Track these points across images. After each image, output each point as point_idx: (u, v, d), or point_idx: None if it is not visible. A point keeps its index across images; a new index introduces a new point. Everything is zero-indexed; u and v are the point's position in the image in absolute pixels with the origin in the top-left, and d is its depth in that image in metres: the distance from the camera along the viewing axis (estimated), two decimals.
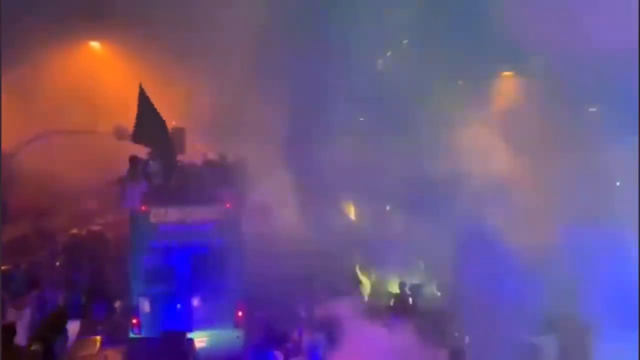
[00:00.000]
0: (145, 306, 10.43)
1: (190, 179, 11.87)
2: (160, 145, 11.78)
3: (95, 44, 18.23)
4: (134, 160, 11.85)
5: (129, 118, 16.04)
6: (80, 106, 16.68)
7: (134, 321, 10.37)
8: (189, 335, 9.51)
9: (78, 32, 17.00)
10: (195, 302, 10.67)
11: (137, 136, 11.67)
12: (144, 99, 11.99)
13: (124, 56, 18.15)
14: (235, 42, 16.02)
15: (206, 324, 10.53)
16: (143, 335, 10.23)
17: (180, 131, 14.40)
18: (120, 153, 15.99)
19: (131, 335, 10.38)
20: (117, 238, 14.34)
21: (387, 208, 16.72)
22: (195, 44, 16.69)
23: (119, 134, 17.02)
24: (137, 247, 10.70)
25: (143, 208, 10.86)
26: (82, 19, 16.51)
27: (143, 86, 12.23)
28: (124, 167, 14.47)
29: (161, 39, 16.57)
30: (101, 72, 18.01)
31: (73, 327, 9.03)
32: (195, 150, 13.98)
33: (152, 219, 10.74)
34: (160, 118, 12.01)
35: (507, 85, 17.84)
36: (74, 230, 14.79)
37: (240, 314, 10.67)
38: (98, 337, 9.12)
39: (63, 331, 7.35)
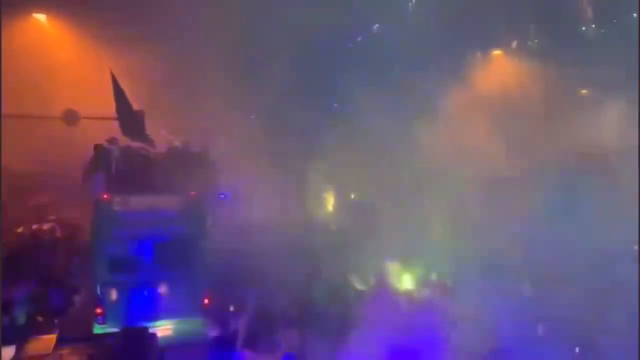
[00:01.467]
0: (111, 295, 10.74)
1: (155, 166, 12.39)
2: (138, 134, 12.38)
3: (40, 16, 17.53)
4: (97, 147, 12.27)
5: (79, 100, 16.26)
6: (28, 87, 15.94)
7: (98, 311, 10.71)
8: (152, 328, 9.85)
9: (22, 3, 16.26)
10: (160, 290, 11.07)
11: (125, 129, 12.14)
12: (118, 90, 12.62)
13: (74, 30, 17.65)
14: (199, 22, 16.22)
15: (171, 312, 10.91)
16: (107, 325, 10.54)
17: (140, 114, 14.75)
18: (71, 139, 16.06)
19: (95, 325, 10.73)
20: (70, 235, 14.52)
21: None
22: (154, 17, 16.52)
23: (69, 118, 16.76)
24: (100, 236, 11.05)
25: (105, 196, 11.28)
26: None
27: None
28: (77, 155, 14.73)
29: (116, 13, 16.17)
30: (48, 48, 17.39)
31: None
32: (160, 138, 14.33)
33: (115, 207, 11.16)
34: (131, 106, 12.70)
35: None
36: (19, 229, 14.57)
37: (206, 301, 11.13)
38: (54, 336, 9.31)
39: None
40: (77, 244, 13.87)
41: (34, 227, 14.68)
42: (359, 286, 13.32)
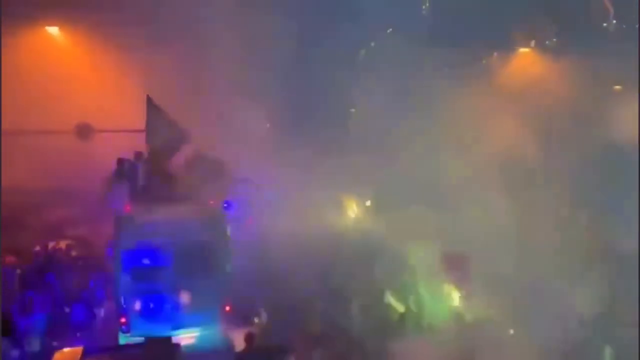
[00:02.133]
0: (135, 304, 11.28)
1: (174, 177, 13.19)
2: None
3: (52, 29, 17.93)
4: (120, 162, 13.12)
5: (92, 113, 16.56)
6: (40, 101, 16.25)
7: (122, 320, 11.26)
8: (175, 338, 10.32)
9: (34, 16, 16.66)
10: (182, 299, 11.47)
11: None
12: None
13: (86, 43, 18.08)
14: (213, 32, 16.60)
15: (194, 320, 11.42)
16: (132, 334, 11.10)
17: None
18: (85, 154, 16.30)
19: (120, 334, 11.34)
20: (88, 251, 14.84)
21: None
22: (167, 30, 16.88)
23: (83, 132, 17.00)
24: (123, 247, 11.49)
25: (127, 208, 12.09)
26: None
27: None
28: (92, 169, 15.24)
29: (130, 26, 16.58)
30: (60, 61, 17.82)
31: None
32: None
33: (137, 219, 11.68)
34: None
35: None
36: (36, 248, 14.80)
37: (227, 309, 11.61)
38: (79, 348, 9.45)
39: None
40: (95, 260, 14.20)
41: (50, 245, 14.93)
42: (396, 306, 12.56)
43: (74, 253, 14.79)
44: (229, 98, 17.34)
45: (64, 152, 16.54)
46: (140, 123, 15.30)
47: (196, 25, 16.64)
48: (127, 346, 10.25)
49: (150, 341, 8.93)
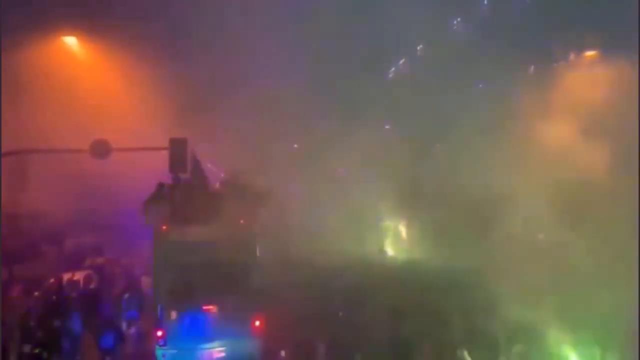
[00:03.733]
0: (170, 318, 12.14)
1: (208, 198, 13.60)
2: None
3: (70, 40, 17.11)
4: (160, 185, 13.76)
5: (109, 128, 15.77)
6: (56, 115, 15.32)
7: (159, 333, 12.16)
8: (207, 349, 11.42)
9: (52, 25, 15.90)
10: (214, 313, 12.32)
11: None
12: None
13: (105, 54, 17.34)
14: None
15: (225, 334, 12.21)
16: (168, 347, 12.06)
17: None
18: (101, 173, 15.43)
19: (157, 347, 12.20)
20: (110, 279, 14.75)
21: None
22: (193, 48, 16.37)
23: (99, 150, 16.00)
24: (160, 264, 12.55)
25: (164, 227, 12.73)
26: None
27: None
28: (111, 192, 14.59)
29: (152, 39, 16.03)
30: (78, 73, 17.08)
31: None
32: (208, 170, 15.52)
33: (173, 238, 12.60)
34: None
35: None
36: (52, 280, 14.48)
37: (257, 323, 12.41)
38: None
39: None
40: (119, 286, 14.39)
41: (66, 277, 14.49)
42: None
43: (92, 285, 14.57)
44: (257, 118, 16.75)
45: (82, 172, 15.81)
46: (159, 140, 15.11)
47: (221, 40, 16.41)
48: None
49: None
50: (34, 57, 15.28)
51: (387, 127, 19.56)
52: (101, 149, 16.09)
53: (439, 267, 14.71)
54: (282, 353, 11.55)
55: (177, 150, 15.03)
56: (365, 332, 11.79)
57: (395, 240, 18.23)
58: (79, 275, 14.77)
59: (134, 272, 15.48)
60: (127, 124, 16.29)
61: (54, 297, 13.51)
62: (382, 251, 17.88)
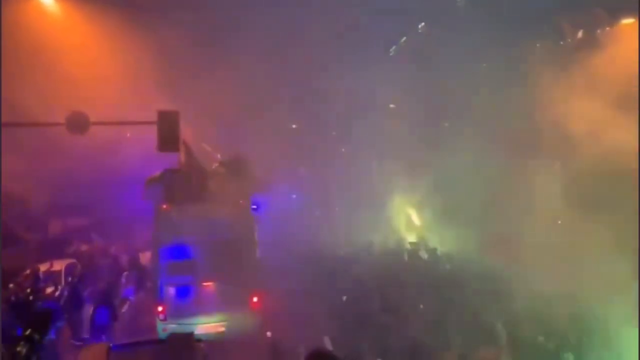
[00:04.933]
0: (171, 294, 12.57)
1: (207, 179, 13.81)
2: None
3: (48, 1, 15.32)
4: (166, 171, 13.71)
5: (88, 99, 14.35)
6: (28, 83, 13.74)
7: (160, 309, 12.64)
8: (206, 326, 11.85)
9: None
10: (213, 289, 12.76)
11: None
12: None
13: (84, 15, 15.63)
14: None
15: (224, 310, 12.68)
16: (168, 322, 12.49)
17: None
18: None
19: (158, 322, 12.65)
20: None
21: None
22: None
23: (76, 125, 14.47)
24: (161, 241, 12.98)
25: (165, 207, 13.04)
26: None
27: None
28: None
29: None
30: (53, 36, 15.31)
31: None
32: (206, 152, 15.97)
33: (174, 216, 12.92)
34: None
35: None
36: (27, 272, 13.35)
37: (255, 299, 12.88)
38: (105, 344, 10.49)
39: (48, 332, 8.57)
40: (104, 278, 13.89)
41: (43, 268, 13.57)
42: None
43: (74, 278, 13.82)
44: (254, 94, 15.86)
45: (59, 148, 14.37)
46: (141, 114, 13.80)
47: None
48: (150, 341, 11.00)
49: (173, 337, 9.70)
50: (2, 17, 13.48)
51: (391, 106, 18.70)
52: (79, 123, 14.59)
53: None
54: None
55: (167, 125, 13.17)
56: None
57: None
58: (59, 266, 13.82)
59: (123, 259, 15.00)
60: (110, 95, 14.90)
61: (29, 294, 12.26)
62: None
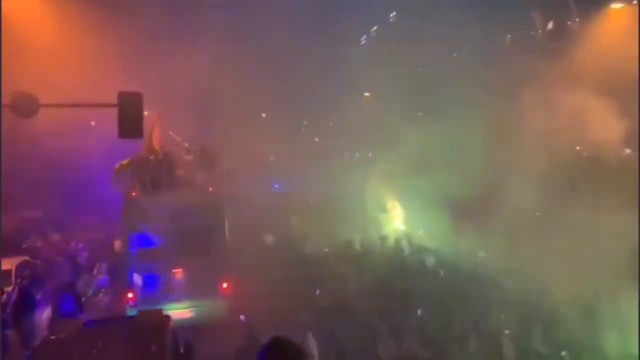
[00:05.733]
0: (140, 281, 12.57)
1: (176, 166, 14.08)
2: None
3: None
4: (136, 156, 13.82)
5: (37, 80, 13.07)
6: None
7: (130, 295, 12.67)
8: (176, 310, 11.68)
9: None
10: (183, 276, 12.82)
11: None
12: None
13: None
14: None
15: (194, 296, 12.80)
16: (138, 308, 11.95)
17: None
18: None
19: (127, 308, 12.61)
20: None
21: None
22: None
23: (23, 107, 13.11)
24: (130, 228, 12.97)
25: (134, 194, 13.15)
26: None
27: None
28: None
29: None
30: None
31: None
32: (173, 140, 15.80)
33: (143, 203, 12.89)
34: None
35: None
36: None
37: (225, 285, 13.06)
38: (80, 319, 10.53)
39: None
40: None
41: None
42: None
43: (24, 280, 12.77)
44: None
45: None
46: (95, 96, 12.91)
47: None
48: (121, 318, 11.51)
49: (143, 312, 10.04)
50: None
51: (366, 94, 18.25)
52: (27, 105, 13.17)
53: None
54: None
55: (129, 108, 11.78)
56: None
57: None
58: (9, 264, 12.76)
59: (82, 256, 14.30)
60: (63, 76, 13.68)
61: None
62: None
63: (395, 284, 12.33)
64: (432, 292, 11.80)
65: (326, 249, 15.04)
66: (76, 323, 9.69)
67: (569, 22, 19.25)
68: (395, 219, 17.22)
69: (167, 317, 9.86)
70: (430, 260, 13.87)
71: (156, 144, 14.08)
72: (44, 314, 12.16)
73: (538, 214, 14.33)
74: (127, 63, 15.01)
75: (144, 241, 12.88)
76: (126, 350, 8.15)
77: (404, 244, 15.11)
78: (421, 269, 13.63)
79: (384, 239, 15.49)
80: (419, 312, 11.32)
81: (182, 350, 9.12)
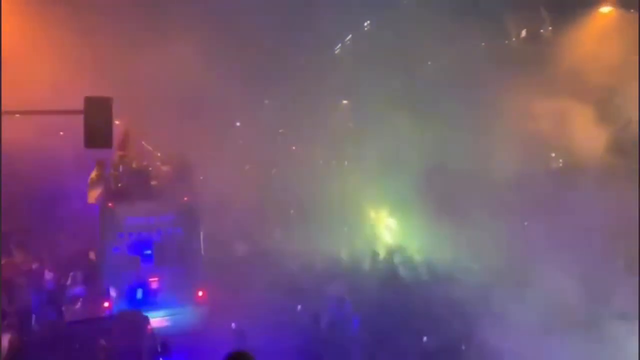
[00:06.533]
0: (117, 290, 12.85)
1: (152, 177, 14.44)
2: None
3: None
4: (100, 163, 13.73)
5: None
6: None
7: (106, 305, 12.81)
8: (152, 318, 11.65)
9: None
10: (159, 284, 13.23)
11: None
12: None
13: None
14: None
15: (170, 304, 13.16)
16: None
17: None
18: None
19: None
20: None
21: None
22: None
23: None
24: (106, 238, 13.28)
25: (110, 204, 13.31)
26: None
27: None
28: None
29: None
30: None
31: None
32: (147, 152, 16.10)
33: (119, 213, 13.22)
34: None
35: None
36: None
37: (200, 294, 13.46)
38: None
39: None
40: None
41: None
42: None
43: None
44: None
45: None
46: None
47: None
48: (102, 318, 11.99)
49: (124, 312, 10.82)
50: None
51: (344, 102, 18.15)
52: None
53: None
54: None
55: (97, 115, 10.68)
56: None
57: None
58: None
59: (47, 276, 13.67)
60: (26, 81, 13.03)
61: None
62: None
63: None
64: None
65: (315, 264, 14.68)
66: (60, 323, 10.51)
67: (541, 30, 19.59)
68: (381, 229, 17.02)
69: (146, 317, 10.35)
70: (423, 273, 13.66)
71: (130, 152, 14.07)
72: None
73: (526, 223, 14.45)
74: (94, 68, 14.50)
75: (120, 250, 13.13)
76: (106, 346, 8.64)
77: (397, 259, 14.62)
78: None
79: (374, 254, 15.07)
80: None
81: (159, 349, 9.62)
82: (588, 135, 13.10)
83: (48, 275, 14.52)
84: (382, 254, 14.96)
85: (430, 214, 14.50)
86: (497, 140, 14.28)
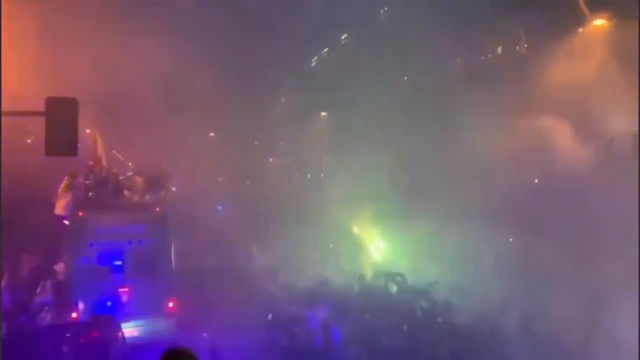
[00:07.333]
0: (86, 300, 12.64)
1: (122, 187, 14.32)
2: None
3: None
4: (73, 174, 13.70)
5: None
6: None
7: (74, 315, 12.67)
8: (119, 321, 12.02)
9: None
10: (129, 295, 13.04)
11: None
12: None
13: None
14: None
15: (139, 315, 12.93)
16: None
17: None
18: None
19: None
20: None
21: None
22: None
23: None
24: (76, 248, 13.13)
25: (80, 214, 13.25)
26: None
27: None
28: None
29: None
30: None
31: None
32: (120, 162, 16.08)
33: (89, 223, 13.13)
34: None
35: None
36: None
37: (171, 305, 13.30)
38: None
39: None
40: None
41: None
42: None
43: None
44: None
45: None
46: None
47: None
48: (75, 323, 12.04)
49: (93, 317, 11.08)
50: None
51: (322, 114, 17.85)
52: None
53: None
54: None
55: (60, 118, 9.70)
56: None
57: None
58: None
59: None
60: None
61: None
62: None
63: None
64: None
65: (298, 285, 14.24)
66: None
67: (517, 48, 19.77)
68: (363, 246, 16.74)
69: (117, 323, 10.94)
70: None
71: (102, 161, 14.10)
72: None
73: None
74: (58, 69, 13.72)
75: (90, 260, 13.05)
76: (77, 347, 9.30)
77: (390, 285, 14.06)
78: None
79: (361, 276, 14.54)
80: None
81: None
82: (569, 152, 13.23)
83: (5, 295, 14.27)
84: (367, 274, 14.48)
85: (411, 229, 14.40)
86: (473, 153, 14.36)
